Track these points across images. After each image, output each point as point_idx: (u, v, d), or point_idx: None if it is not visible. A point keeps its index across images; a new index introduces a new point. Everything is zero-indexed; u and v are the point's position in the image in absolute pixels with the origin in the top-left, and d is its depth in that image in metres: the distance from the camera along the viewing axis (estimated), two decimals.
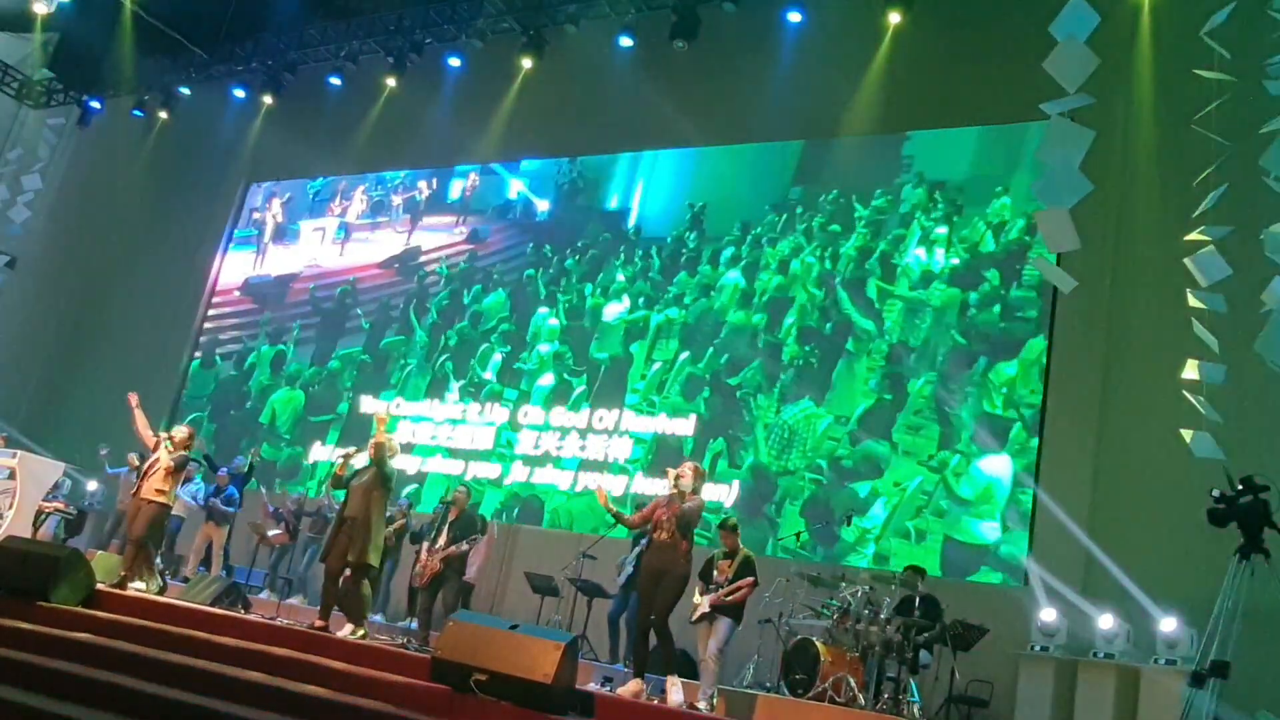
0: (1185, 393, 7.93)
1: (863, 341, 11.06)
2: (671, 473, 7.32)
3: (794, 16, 12.69)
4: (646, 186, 13.57)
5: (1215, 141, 7.96)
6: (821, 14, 12.72)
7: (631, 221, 13.54)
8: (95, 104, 18.42)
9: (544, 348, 13.41)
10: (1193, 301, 7.98)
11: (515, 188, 14.85)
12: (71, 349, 18.11)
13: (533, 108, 14.52)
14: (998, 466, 9.80)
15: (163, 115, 17.86)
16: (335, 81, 16.12)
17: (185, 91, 17.75)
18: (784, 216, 12.14)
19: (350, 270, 15.98)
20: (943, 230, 10.99)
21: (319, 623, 7.76)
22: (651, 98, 13.42)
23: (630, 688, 7.01)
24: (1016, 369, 10.11)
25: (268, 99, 16.70)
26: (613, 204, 13.82)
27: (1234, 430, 8.02)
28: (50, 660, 5.67)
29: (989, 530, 9.82)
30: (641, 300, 12.88)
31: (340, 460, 8.31)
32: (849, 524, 10.41)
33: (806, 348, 11.35)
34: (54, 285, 18.51)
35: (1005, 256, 10.59)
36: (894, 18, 12.01)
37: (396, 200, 16.06)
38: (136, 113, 18.02)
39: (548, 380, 13.19)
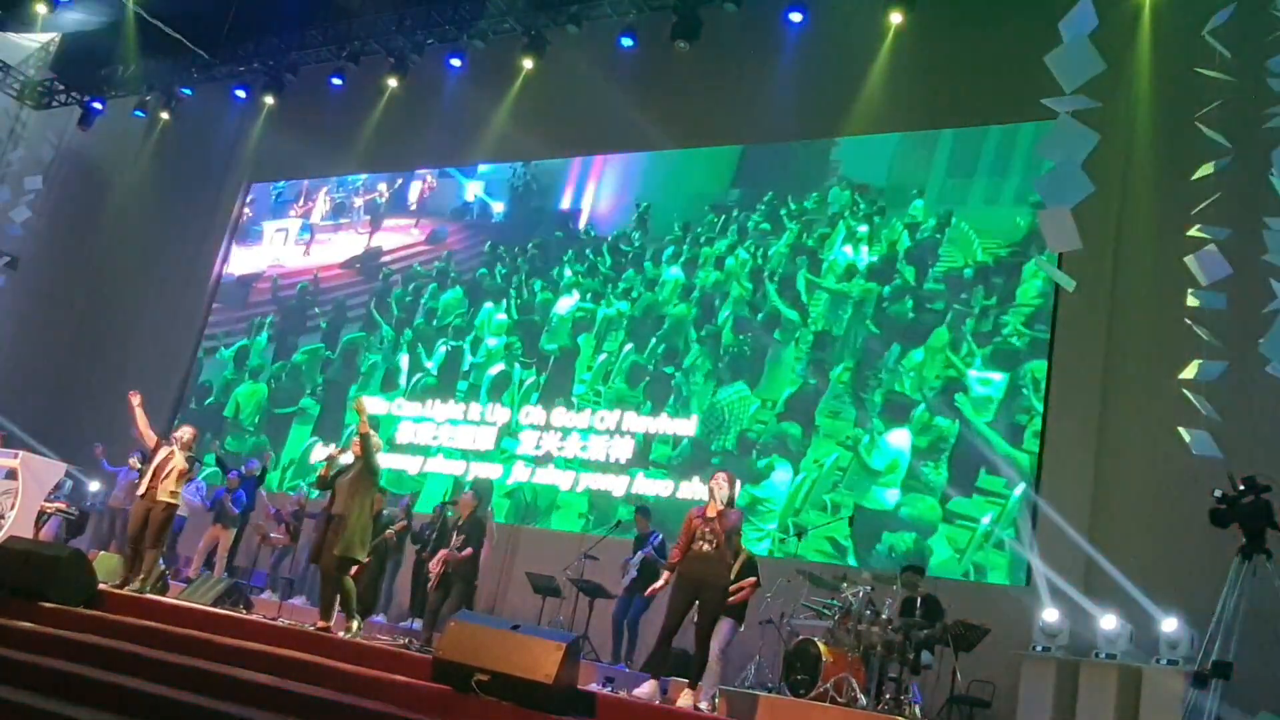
0: (1185, 391, 7.93)
1: (789, 331, 11.83)
2: (710, 485, 7.26)
3: (795, 17, 12.70)
4: (597, 188, 14.23)
5: (1217, 140, 7.97)
6: (823, 14, 12.72)
7: (582, 222, 14.14)
8: (97, 104, 18.38)
9: (492, 341, 14.00)
10: (1192, 300, 7.98)
11: (472, 190, 15.35)
12: (73, 349, 18.12)
13: (534, 108, 14.52)
14: (900, 440, 10.67)
15: (164, 116, 17.84)
16: (337, 82, 16.10)
17: (187, 92, 17.73)
18: (722, 217, 12.90)
19: (312, 270, 16.47)
20: (864, 229, 11.82)
21: (321, 623, 7.76)
22: (652, 99, 13.45)
23: (645, 690, 6.97)
24: (923, 355, 10.89)
25: (269, 99, 16.69)
26: (564, 205, 14.43)
27: (1235, 429, 8.02)
28: (51, 660, 5.68)
29: (890, 496, 10.61)
30: (590, 295, 13.51)
31: (326, 462, 8.31)
32: (851, 524, 10.47)
33: (740, 337, 12.13)
34: (56, 285, 18.51)
35: (919, 253, 11.38)
36: (895, 18, 12.01)
37: (358, 202, 16.55)
38: (138, 113, 18.01)
39: (497, 370, 13.79)
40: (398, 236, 15.79)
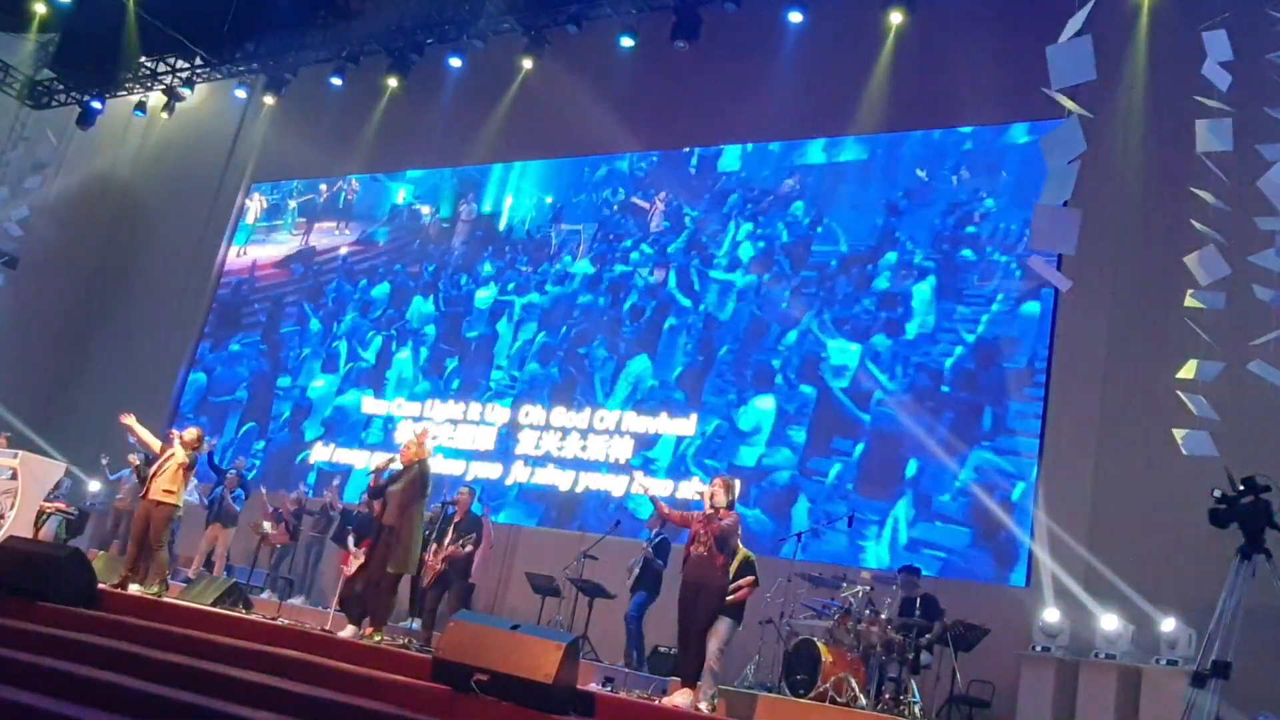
0: (1178, 392, 7.93)
1: (683, 316, 13.05)
2: (705, 491, 7.32)
3: (795, 17, 12.70)
4: (517, 191, 15.29)
5: (1214, 137, 7.96)
6: (823, 14, 12.72)
7: (503, 222, 15.13)
8: (96, 104, 18.37)
9: (421, 331, 15.06)
10: (1192, 301, 7.97)
11: (401, 195, 16.40)
12: (72, 349, 18.13)
13: (533, 108, 14.51)
14: (765, 405, 12.04)
15: (164, 115, 17.85)
16: (337, 82, 16.10)
17: (187, 92, 17.74)
18: (630, 218, 14.06)
19: (247, 269, 17.46)
20: (749, 225, 13.03)
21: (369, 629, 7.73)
22: (652, 98, 13.44)
23: (678, 697, 6.99)
24: (796, 335, 12.09)
25: (269, 99, 16.70)
26: (487, 207, 15.49)
27: (1233, 429, 8.02)
28: (51, 660, 5.68)
29: (756, 455, 11.89)
30: (511, 286, 14.58)
31: (374, 471, 8.24)
32: (850, 524, 10.47)
33: (639, 323, 13.32)
34: (55, 285, 18.52)
35: (795, 247, 12.64)
36: (896, 18, 12.00)
37: (292, 204, 17.36)
38: (138, 113, 18.02)
39: (404, 355, 14.93)
40: (331, 238, 16.75)
